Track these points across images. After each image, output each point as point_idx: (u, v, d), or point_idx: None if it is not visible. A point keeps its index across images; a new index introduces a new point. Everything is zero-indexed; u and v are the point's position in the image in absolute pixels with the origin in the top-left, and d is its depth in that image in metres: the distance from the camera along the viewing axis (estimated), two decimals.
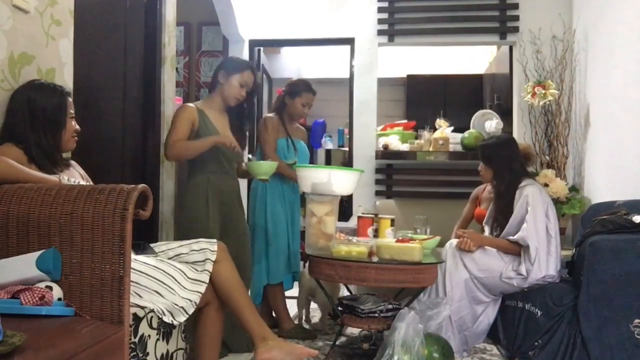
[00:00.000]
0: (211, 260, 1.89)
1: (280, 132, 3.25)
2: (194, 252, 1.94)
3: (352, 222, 3.67)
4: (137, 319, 1.60)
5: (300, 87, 3.27)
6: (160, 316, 1.67)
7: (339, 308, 2.75)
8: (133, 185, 1.55)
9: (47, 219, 1.51)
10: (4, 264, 1.46)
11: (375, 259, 2.56)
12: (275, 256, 3.15)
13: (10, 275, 1.43)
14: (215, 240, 1.97)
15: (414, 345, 2.26)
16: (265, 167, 2.78)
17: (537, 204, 2.76)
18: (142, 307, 1.63)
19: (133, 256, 1.81)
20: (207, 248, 1.93)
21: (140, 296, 1.69)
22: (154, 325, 1.67)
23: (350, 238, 2.88)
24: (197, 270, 1.87)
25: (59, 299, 1.44)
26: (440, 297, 2.78)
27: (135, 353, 1.59)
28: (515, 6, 4.38)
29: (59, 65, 2.14)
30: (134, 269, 1.71)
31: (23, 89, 1.83)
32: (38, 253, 1.45)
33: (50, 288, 1.42)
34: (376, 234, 3.07)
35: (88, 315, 1.47)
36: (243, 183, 4.62)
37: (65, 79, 2.18)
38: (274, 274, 3.15)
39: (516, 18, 4.37)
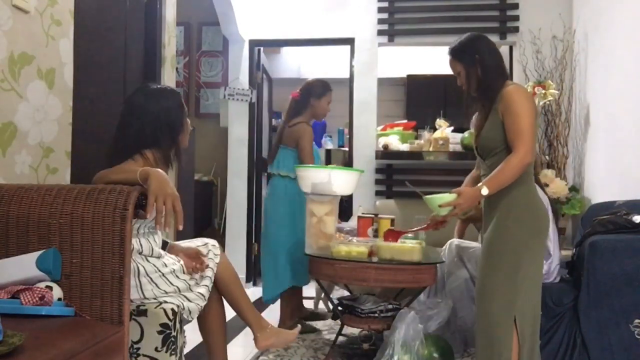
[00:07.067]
0: (216, 258, 1.98)
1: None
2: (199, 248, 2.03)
3: (352, 222, 3.67)
4: (174, 314, 1.70)
5: (324, 87, 3.23)
6: (184, 314, 1.78)
7: (339, 308, 2.75)
8: (133, 186, 1.55)
9: (47, 219, 1.51)
10: (4, 264, 1.46)
11: (375, 259, 2.56)
12: (270, 269, 3.13)
13: (10, 275, 1.43)
14: (214, 241, 2.07)
15: (414, 345, 2.27)
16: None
17: None
18: (177, 305, 1.74)
19: (163, 253, 1.90)
20: (211, 249, 2.02)
21: (167, 292, 1.79)
22: (178, 320, 1.76)
23: (350, 238, 2.88)
24: None
25: (59, 299, 1.44)
26: (440, 297, 2.77)
27: (174, 346, 1.70)
28: (515, 6, 4.38)
29: (59, 65, 2.14)
30: (158, 270, 1.81)
31: (149, 100, 1.85)
32: (38, 253, 1.45)
33: (50, 288, 1.42)
34: (376, 234, 3.06)
35: (88, 315, 1.47)
36: (243, 182, 4.63)
37: (65, 79, 2.18)
38: (265, 290, 3.17)
39: (516, 18, 4.37)
